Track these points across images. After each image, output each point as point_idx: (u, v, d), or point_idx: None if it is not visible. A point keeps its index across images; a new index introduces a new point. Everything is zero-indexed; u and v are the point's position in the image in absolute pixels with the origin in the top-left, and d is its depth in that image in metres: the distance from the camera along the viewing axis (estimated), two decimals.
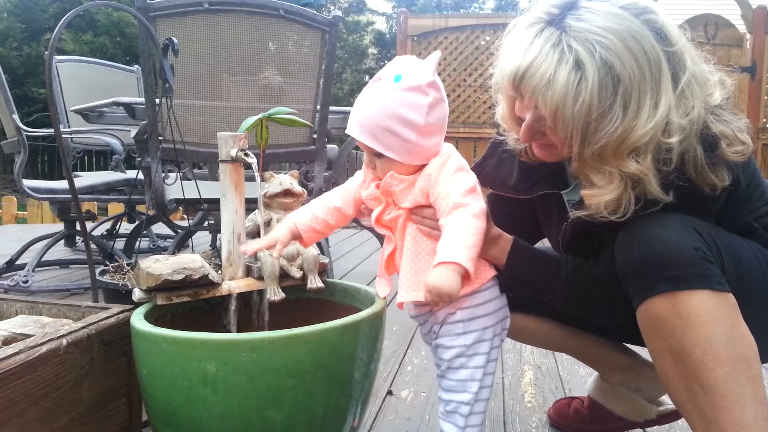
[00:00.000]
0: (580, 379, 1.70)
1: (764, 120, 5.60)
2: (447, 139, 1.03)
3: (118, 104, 2.38)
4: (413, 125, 0.96)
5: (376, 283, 1.09)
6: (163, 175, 2.17)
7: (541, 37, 0.91)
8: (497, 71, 1.00)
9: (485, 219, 0.97)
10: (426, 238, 1.01)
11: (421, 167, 1.00)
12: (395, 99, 0.95)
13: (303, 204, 1.17)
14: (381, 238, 1.10)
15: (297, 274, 1.16)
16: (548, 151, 1.03)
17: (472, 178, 0.99)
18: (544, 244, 1.27)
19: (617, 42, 0.88)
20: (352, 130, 1.00)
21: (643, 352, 1.35)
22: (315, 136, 2.47)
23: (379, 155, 0.99)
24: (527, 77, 0.91)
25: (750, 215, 1.03)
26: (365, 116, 0.98)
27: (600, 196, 0.93)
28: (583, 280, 1.07)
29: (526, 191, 1.16)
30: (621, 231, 0.97)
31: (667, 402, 1.31)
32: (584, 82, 0.88)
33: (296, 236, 1.08)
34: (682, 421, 1.36)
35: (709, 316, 0.89)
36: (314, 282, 1.17)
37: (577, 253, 1.11)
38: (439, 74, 0.99)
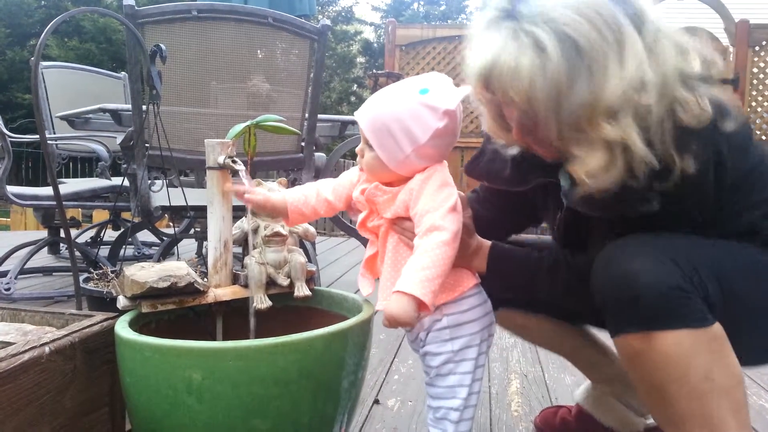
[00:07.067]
0: (566, 387, 1.71)
1: None
2: None
3: (104, 111, 2.37)
4: (413, 140, 0.95)
5: (359, 281, 1.10)
6: (149, 182, 2.16)
7: (499, 32, 0.90)
8: (468, 80, 0.98)
9: (456, 243, 0.95)
10: (406, 248, 1.01)
11: (407, 179, 1.00)
12: (409, 108, 0.95)
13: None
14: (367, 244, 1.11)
15: (284, 281, 1.16)
16: (547, 149, 1.01)
17: (453, 196, 0.97)
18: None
19: (569, 12, 0.87)
20: (360, 113, 1.00)
21: None
22: (303, 144, 2.47)
23: (371, 147, 0.99)
24: (495, 74, 0.90)
25: (757, 210, 0.99)
26: (376, 108, 0.98)
27: (584, 165, 0.90)
28: (565, 273, 1.06)
29: (520, 183, 1.14)
30: (598, 257, 0.95)
31: None
32: (548, 60, 0.86)
33: (282, 211, 1.09)
34: None
35: (684, 356, 0.88)
36: (301, 290, 1.17)
37: (573, 242, 1.10)
38: None
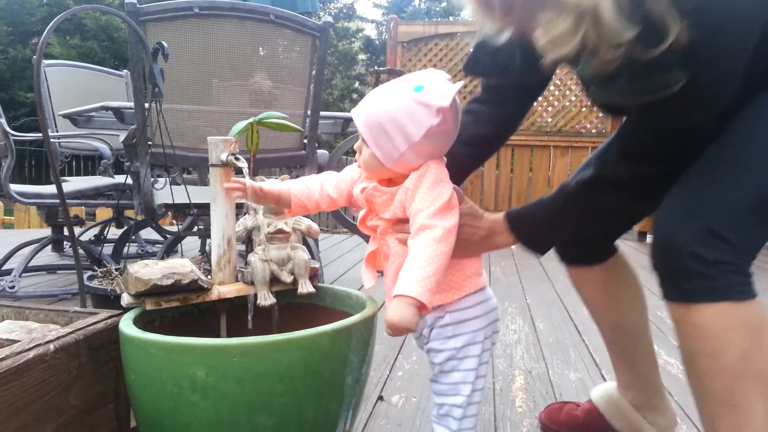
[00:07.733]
0: (570, 383, 1.71)
1: None
2: None
3: (107, 109, 2.37)
4: (408, 138, 0.94)
5: (362, 274, 1.09)
6: (152, 179, 2.16)
7: None
8: None
9: (451, 239, 0.94)
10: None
11: (405, 176, 0.99)
12: (404, 105, 0.94)
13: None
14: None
15: (287, 278, 1.16)
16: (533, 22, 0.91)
17: (446, 192, 0.96)
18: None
19: None
20: (356, 111, 0.99)
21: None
22: (305, 141, 2.47)
23: (368, 145, 0.98)
24: None
25: None
26: (371, 107, 0.97)
27: (548, 32, 0.82)
28: (582, 195, 1.04)
29: (533, 73, 1.00)
30: (657, 211, 0.93)
31: None
32: None
33: (285, 201, 1.08)
34: None
35: (720, 330, 0.85)
36: (305, 287, 1.17)
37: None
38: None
